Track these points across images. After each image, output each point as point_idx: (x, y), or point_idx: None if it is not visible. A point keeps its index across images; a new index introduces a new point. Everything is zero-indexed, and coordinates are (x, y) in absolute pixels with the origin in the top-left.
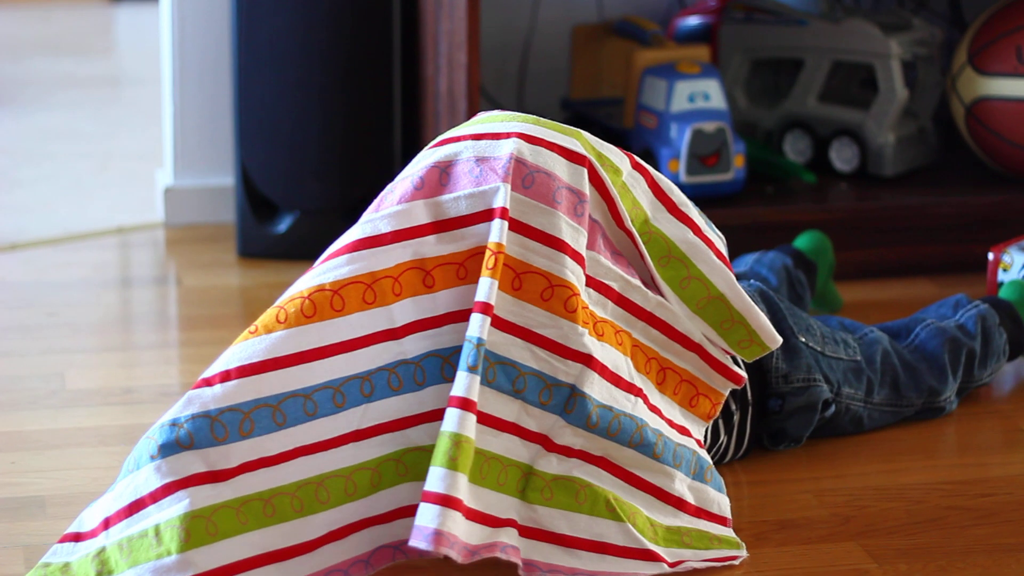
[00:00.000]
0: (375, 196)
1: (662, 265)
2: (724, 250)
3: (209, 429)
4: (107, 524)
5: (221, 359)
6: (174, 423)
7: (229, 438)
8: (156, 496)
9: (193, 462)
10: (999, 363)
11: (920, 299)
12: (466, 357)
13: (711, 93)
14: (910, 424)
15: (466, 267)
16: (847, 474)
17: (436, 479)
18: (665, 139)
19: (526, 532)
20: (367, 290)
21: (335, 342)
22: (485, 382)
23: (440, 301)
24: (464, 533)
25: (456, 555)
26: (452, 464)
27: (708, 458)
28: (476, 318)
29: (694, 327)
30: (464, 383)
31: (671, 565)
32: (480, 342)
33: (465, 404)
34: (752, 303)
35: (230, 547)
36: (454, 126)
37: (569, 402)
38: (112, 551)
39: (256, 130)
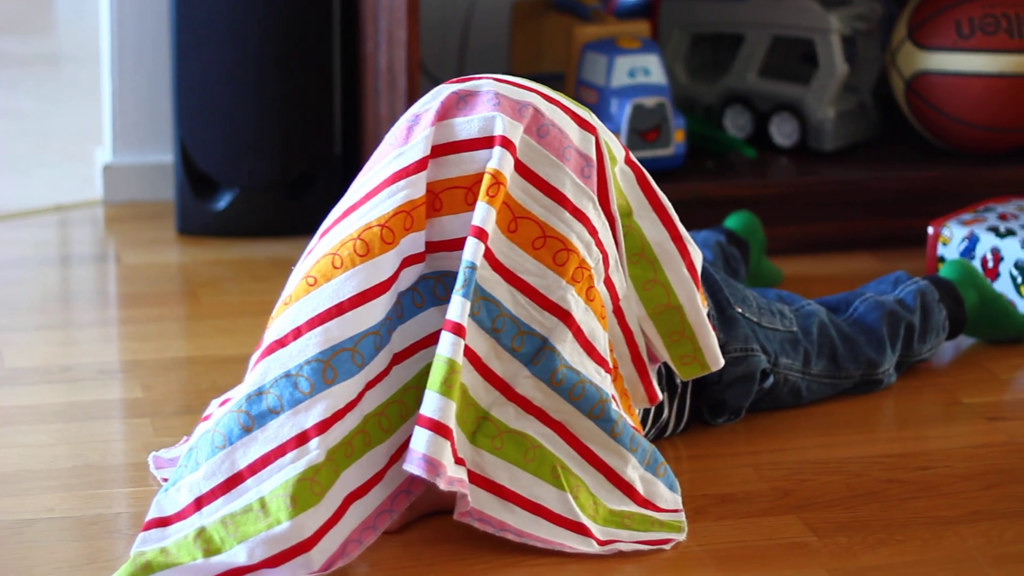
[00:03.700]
0: (315, 173)
1: (632, 262)
2: (698, 263)
3: (294, 387)
4: (200, 504)
5: (286, 318)
6: (260, 391)
7: (315, 390)
8: (255, 468)
9: (284, 426)
10: (938, 339)
11: (860, 273)
12: (460, 282)
13: (651, 68)
14: (849, 398)
15: (473, 192)
16: (786, 448)
17: (432, 404)
18: (605, 114)
19: (470, 476)
20: (406, 218)
21: (391, 275)
22: (471, 313)
23: (446, 226)
24: (449, 463)
25: (443, 484)
26: (447, 391)
27: (662, 457)
28: (471, 243)
29: (638, 328)
30: (458, 308)
31: (600, 543)
32: (473, 266)
33: (457, 329)
34: (707, 322)
35: (329, 500)
36: (394, 103)
37: (538, 354)
38: (215, 529)
39: (195, 107)
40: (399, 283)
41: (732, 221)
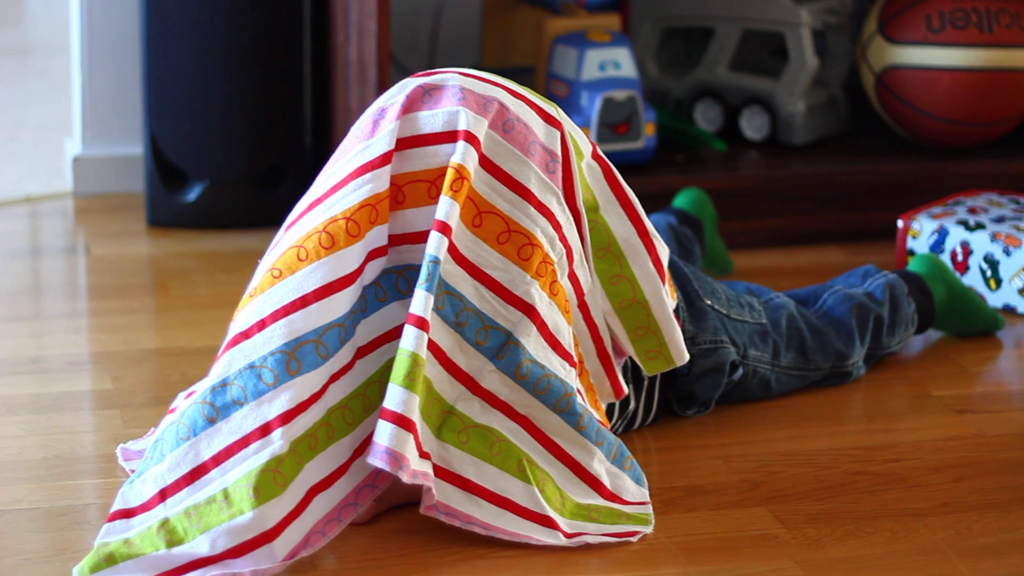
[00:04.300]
0: (285, 165)
1: (598, 257)
2: (665, 258)
3: (258, 378)
4: (164, 496)
5: (251, 310)
6: (224, 382)
7: (279, 381)
8: (219, 459)
9: (247, 417)
10: (907, 332)
11: (830, 266)
12: (423, 275)
13: (622, 62)
14: (818, 390)
15: (437, 186)
16: (756, 440)
17: (395, 397)
18: (576, 108)
19: (436, 471)
20: (372, 211)
21: (356, 268)
22: (435, 308)
23: (409, 219)
24: (412, 456)
25: (406, 477)
26: (410, 384)
27: (629, 452)
28: (434, 237)
29: (603, 323)
30: (421, 301)
31: (567, 536)
32: (436, 260)
33: (421, 323)
34: (672, 317)
35: (292, 492)
36: (364, 95)
37: (503, 348)
38: (178, 520)
39: (165, 99)
40: (364, 277)
41: (681, 199)
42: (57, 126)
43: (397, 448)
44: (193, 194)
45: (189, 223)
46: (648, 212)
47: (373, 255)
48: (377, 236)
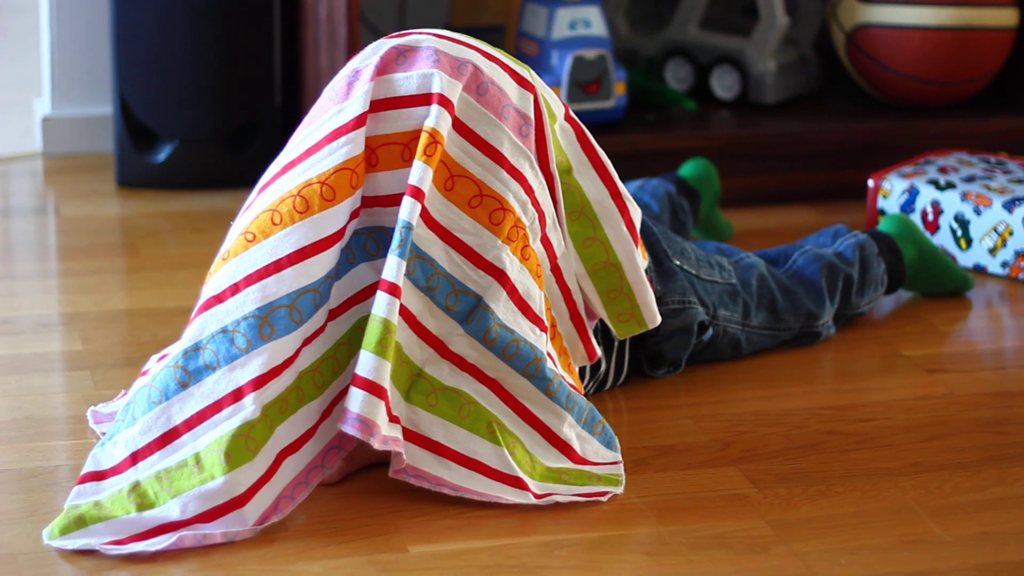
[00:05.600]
0: (255, 124)
1: (571, 219)
2: (637, 220)
3: (230, 343)
4: (135, 459)
5: (224, 274)
6: (197, 346)
7: (251, 346)
8: (191, 423)
9: (220, 382)
10: (877, 292)
11: (800, 226)
12: (396, 241)
13: (592, 20)
14: (789, 350)
15: (410, 148)
16: (727, 400)
17: (366, 364)
18: (546, 66)
19: (404, 433)
20: (352, 175)
21: (333, 232)
22: (406, 272)
23: (381, 182)
24: (383, 422)
25: (376, 443)
26: (382, 351)
27: (601, 415)
28: (407, 202)
29: (576, 286)
30: (394, 267)
31: (536, 496)
32: (409, 226)
33: (393, 289)
34: (645, 279)
35: (263, 456)
36: (334, 54)
37: (472, 312)
38: (149, 484)
39: (134, 59)
40: (343, 239)
41: (687, 168)
42: (26, 86)
43: (368, 415)
44: (163, 154)
45: (159, 183)
46: (621, 173)
47: (351, 217)
48: (355, 199)
